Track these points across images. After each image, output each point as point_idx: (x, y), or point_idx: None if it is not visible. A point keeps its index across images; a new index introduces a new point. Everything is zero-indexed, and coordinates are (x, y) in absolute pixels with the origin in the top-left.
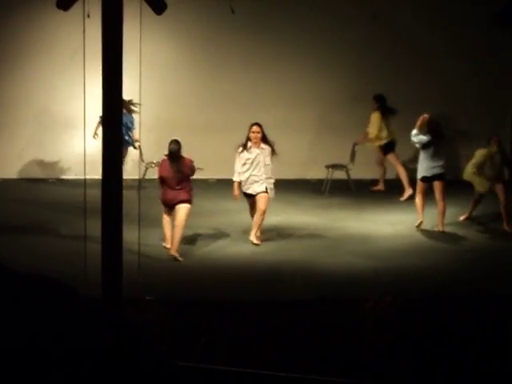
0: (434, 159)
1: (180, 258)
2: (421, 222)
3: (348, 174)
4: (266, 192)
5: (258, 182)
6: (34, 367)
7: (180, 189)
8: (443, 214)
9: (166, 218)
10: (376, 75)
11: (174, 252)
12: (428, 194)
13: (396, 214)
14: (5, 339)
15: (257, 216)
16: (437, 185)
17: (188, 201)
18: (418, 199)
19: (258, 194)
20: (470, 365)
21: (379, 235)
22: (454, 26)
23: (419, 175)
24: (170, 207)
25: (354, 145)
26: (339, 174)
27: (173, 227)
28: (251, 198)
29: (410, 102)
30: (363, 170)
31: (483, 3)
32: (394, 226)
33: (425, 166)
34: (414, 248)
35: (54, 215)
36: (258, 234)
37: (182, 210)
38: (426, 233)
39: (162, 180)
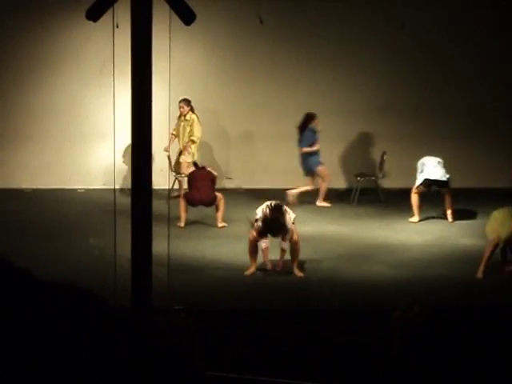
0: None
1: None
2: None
3: (377, 183)
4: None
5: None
6: (62, 377)
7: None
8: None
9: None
10: (403, 85)
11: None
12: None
13: (424, 224)
14: (36, 348)
15: (292, 246)
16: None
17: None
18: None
19: None
20: (499, 376)
21: (407, 244)
22: (478, 38)
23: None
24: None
25: (383, 154)
26: (368, 183)
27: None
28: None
29: (436, 112)
30: (392, 179)
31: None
32: (422, 235)
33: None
34: (442, 258)
35: (83, 225)
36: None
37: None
38: (454, 243)
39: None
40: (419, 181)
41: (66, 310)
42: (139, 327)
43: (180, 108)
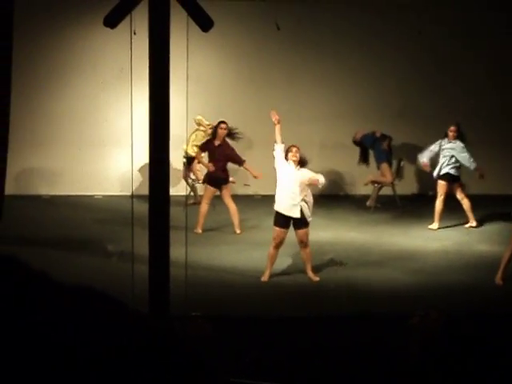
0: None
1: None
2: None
3: (394, 189)
4: (305, 224)
5: (295, 204)
6: (82, 381)
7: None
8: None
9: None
10: (418, 92)
11: (238, 230)
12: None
13: (442, 230)
14: (54, 351)
15: (304, 251)
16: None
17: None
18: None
19: (297, 226)
20: None
21: (425, 250)
22: (494, 47)
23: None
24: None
25: (400, 160)
26: (385, 190)
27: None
28: (286, 226)
29: (451, 119)
30: (409, 185)
31: None
32: (440, 241)
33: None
34: (460, 264)
35: (101, 232)
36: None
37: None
38: (471, 249)
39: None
40: (436, 172)
41: (84, 312)
42: (159, 332)
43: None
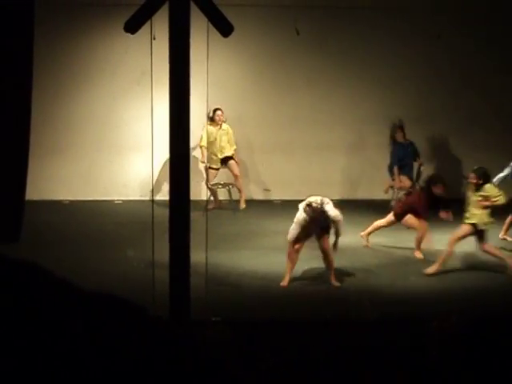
0: None
1: None
2: None
3: None
4: (325, 230)
5: None
6: None
7: None
8: None
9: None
10: (438, 97)
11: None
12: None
13: None
14: (76, 357)
15: (326, 259)
16: None
17: None
18: None
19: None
20: None
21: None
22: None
23: None
24: None
25: (420, 165)
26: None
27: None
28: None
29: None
30: None
31: None
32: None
33: None
34: (480, 267)
35: (121, 237)
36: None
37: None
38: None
39: None
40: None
41: (105, 319)
42: (180, 337)
43: (220, 116)
